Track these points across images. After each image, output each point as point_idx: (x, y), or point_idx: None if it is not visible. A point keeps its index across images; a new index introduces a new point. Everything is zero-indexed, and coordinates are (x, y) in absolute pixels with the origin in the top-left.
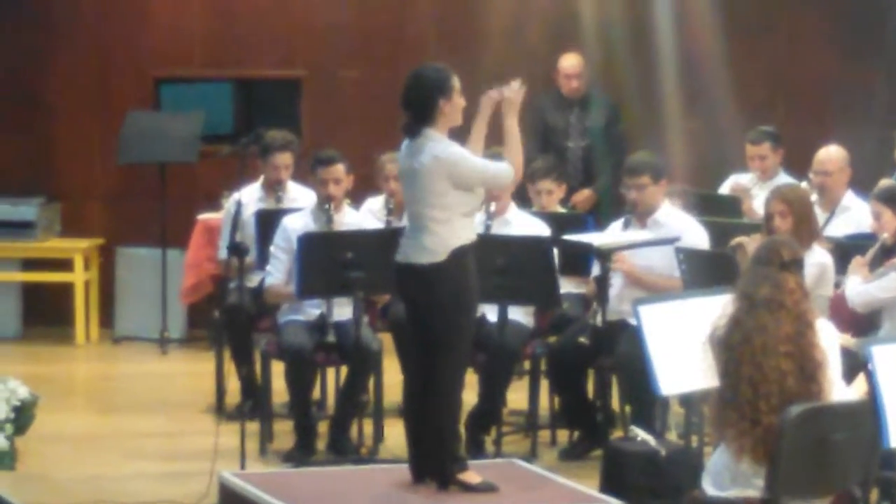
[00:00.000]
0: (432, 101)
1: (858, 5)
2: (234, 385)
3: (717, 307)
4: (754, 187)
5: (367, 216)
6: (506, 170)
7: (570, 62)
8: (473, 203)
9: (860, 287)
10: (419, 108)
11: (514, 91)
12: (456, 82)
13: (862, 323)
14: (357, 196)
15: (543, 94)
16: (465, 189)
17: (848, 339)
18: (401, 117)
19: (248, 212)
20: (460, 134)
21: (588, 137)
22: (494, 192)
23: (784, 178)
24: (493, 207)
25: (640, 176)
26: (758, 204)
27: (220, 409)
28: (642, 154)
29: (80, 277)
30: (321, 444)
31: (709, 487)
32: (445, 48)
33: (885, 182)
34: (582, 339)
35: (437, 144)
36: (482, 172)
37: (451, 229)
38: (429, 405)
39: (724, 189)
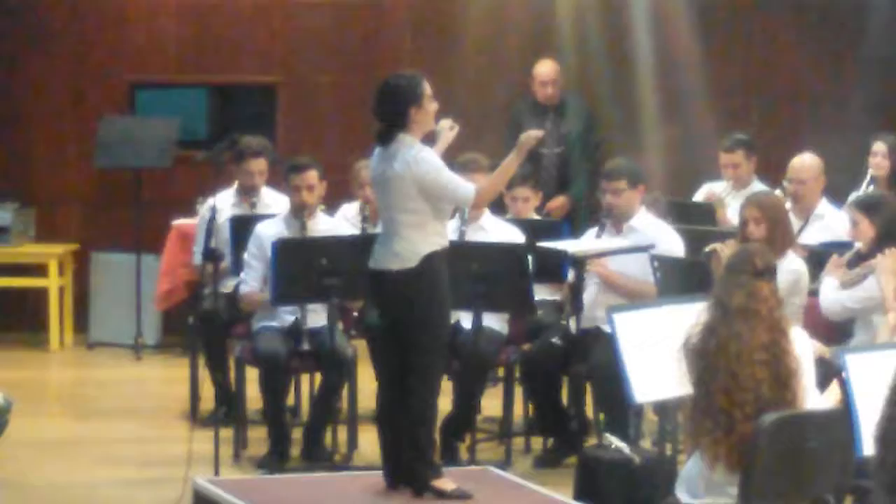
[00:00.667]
0: (403, 110)
1: (834, 14)
2: (208, 391)
3: (691, 315)
4: (728, 196)
5: (341, 223)
6: (470, 195)
7: (544, 69)
8: (445, 210)
9: (833, 296)
10: (391, 117)
11: (528, 135)
12: (426, 88)
13: (835, 331)
14: (332, 202)
15: (519, 101)
16: (432, 200)
17: (822, 348)
18: (375, 123)
19: (223, 217)
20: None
21: (563, 144)
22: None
23: (758, 186)
24: (467, 214)
25: (618, 180)
26: (731, 212)
27: (194, 416)
28: (620, 159)
29: (54, 283)
30: (295, 451)
31: (683, 495)
32: (421, 55)
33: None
34: (554, 340)
35: (410, 150)
36: (448, 190)
37: (423, 235)
38: (403, 412)
39: (699, 197)
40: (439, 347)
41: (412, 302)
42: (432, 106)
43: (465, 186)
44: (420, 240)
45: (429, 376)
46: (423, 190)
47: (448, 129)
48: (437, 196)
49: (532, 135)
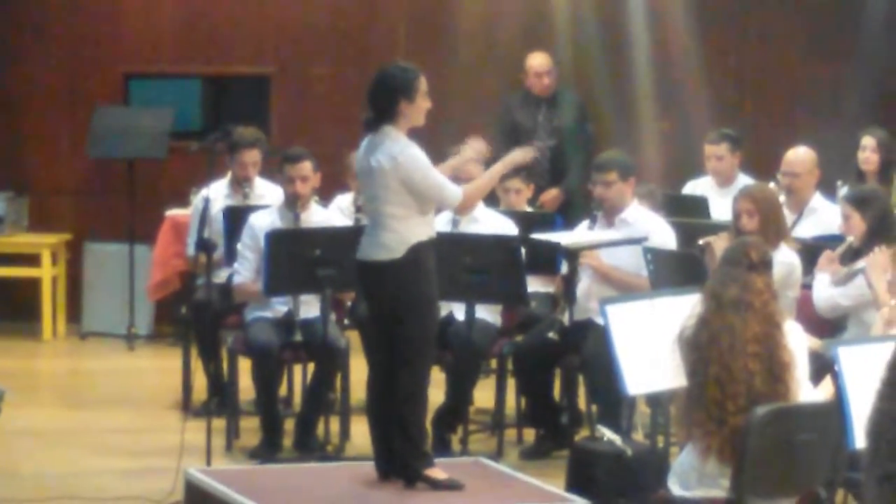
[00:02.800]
0: (393, 102)
1: (829, 7)
2: (200, 381)
3: (684, 307)
4: (713, 192)
5: (335, 213)
6: (455, 198)
7: (538, 60)
8: (430, 205)
9: (825, 293)
10: (380, 107)
11: (522, 152)
12: (421, 84)
13: (828, 325)
14: (326, 193)
15: (511, 94)
16: (416, 197)
17: (815, 342)
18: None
19: (216, 208)
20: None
21: (556, 136)
22: None
23: (744, 181)
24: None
25: (609, 172)
26: (717, 209)
27: (186, 406)
28: (612, 151)
29: (47, 272)
30: (287, 442)
31: (675, 487)
32: (416, 47)
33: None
34: (551, 335)
35: (395, 144)
36: (433, 190)
37: (409, 226)
38: (394, 402)
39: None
40: (428, 338)
41: (399, 292)
42: (425, 103)
43: (451, 189)
44: (406, 230)
45: (418, 366)
46: (409, 187)
47: (472, 151)
48: (424, 195)
49: (526, 152)
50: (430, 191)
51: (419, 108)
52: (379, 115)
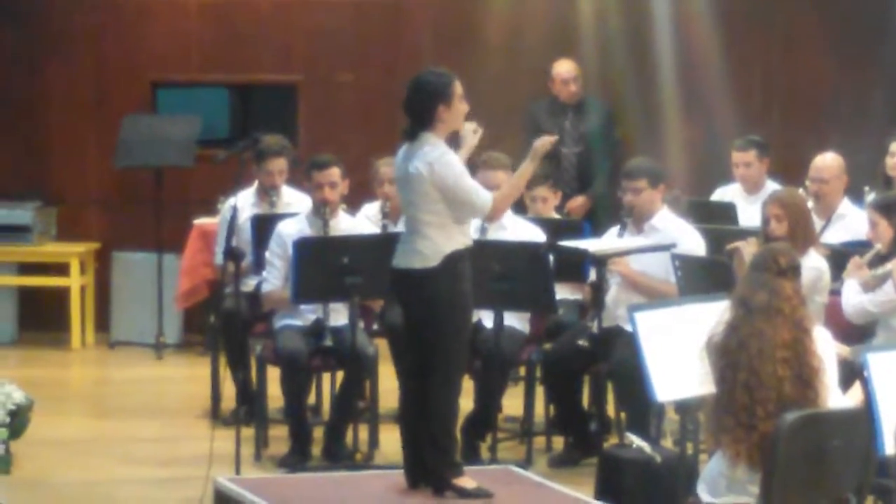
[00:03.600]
0: (431, 107)
1: (856, 13)
2: (229, 390)
3: (712, 314)
4: (742, 200)
5: (363, 222)
6: (487, 204)
7: (565, 67)
8: (465, 213)
9: (854, 300)
10: (418, 113)
11: (542, 141)
12: (457, 88)
13: (857, 330)
14: (354, 202)
15: (537, 101)
16: (450, 204)
17: (843, 348)
18: (397, 122)
19: (244, 216)
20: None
21: (582, 143)
22: None
23: (772, 188)
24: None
25: (638, 179)
26: (745, 217)
27: (215, 415)
28: (641, 158)
29: (76, 282)
30: (316, 450)
31: (704, 494)
32: (442, 53)
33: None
34: (582, 342)
35: (434, 150)
36: (467, 197)
37: (446, 234)
38: (425, 410)
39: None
40: (461, 347)
41: (434, 301)
42: (462, 107)
43: (482, 195)
44: (443, 239)
45: (450, 375)
46: (443, 193)
47: (472, 133)
48: (457, 202)
49: (546, 140)
50: (461, 196)
51: (457, 112)
52: (417, 123)
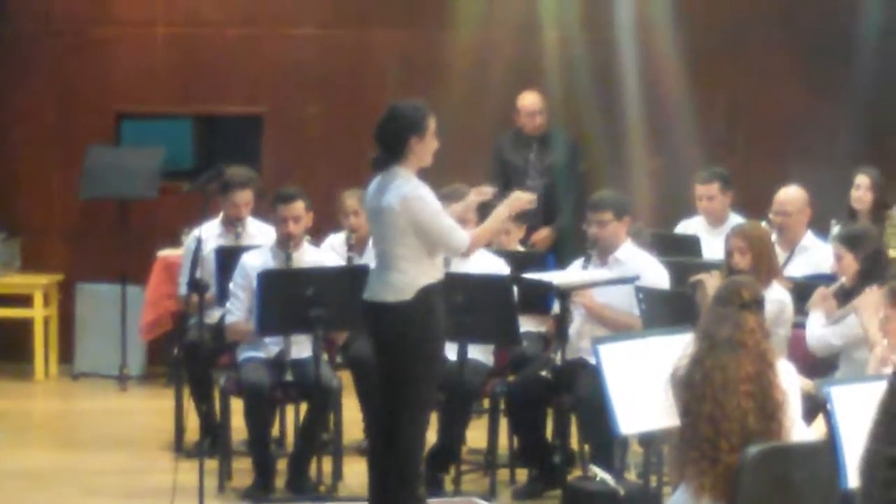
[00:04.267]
0: (404, 139)
1: (822, 46)
2: (193, 422)
3: (676, 346)
4: (705, 233)
5: (328, 252)
6: (463, 243)
7: (530, 100)
8: (438, 249)
9: (818, 332)
10: (390, 144)
11: (524, 196)
12: (432, 122)
13: (819, 364)
14: (319, 232)
15: (502, 133)
16: (425, 240)
17: (806, 382)
18: (362, 153)
19: (208, 248)
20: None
21: (548, 176)
22: None
23: (736, 220)
24: None
25: (604, 212)
26: (709, 249)
27: (178, 446)
28: (606, 191)
29: (39, 313)
30: (280, 482)
31: None
32: (407, 84)
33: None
34: (544, 373)
35: (406, 184)
36: (442, 236)
37: (420, 268)
38: (392, 443)
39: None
40: (432, 381)
41: (407, 334)
42: (434, 142)
43: (459, 235)
44: (417, 272)
45: (420, 409)
46: (416, 229)
47: (478, 195)
48: (431, 239)
49: (526, 198)
50: (437, 234)
51: (428, 147)
52: (388, 154)
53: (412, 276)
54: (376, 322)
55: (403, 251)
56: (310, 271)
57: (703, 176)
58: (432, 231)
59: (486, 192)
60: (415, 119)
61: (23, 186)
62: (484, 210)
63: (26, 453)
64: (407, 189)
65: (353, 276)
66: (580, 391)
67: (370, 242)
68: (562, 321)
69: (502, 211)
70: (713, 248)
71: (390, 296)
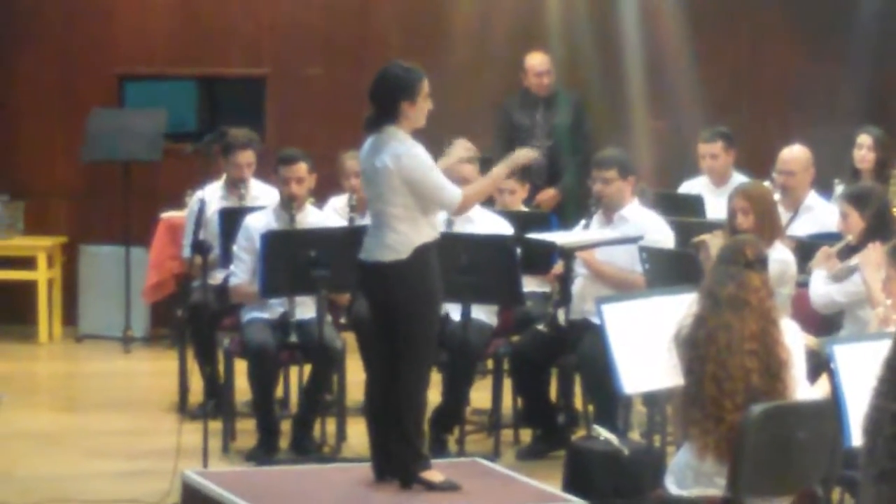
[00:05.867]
0: (395, 101)
1: (823, 5)
2: (197, 383)
3: (680, 306)
4: (708, 192)
5: (330, 215)
6: (455, 200)
7: (537, 60)
8: (433, 206)
9: (822, 289)
10: (382, 106)
11: (523, 154)
12: (424, 86)
13: (824, 322)
14: (321, 194)
15: (509, 94)
16: (418, 197)
17: (811, 340)
18: (364, 115)
19: (212, 210)
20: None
21: (553, 136)
22: None
23: (739, 180)
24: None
25: (608, 169)
26: (712, 208)
27: (183, 408)
28: (612, 149)
29: (43, 275)
30: (284, 443)
31: (672, 486)
32: (409, 47)
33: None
34: (540, 327)
35: (400, 145)
36: (434, 192)
37: (416, 227)
38: (393, 404)
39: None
40: (430, 339)
41: (403, 293)
42: (426, 105)
43: (450, 191)
44: (412, 231)
45: (419, 368)
46: (410, 187)
47: (463, 149)
48: (425, 196)
49: (527, 154)
50: (429, 191)
51: (421, 110)
52: (380, 115)
53: (408, 235)
54: (372, 282)
55: (398, 211)
56: (313, 232)
57: (707, 135)
58: (425, 187)
59: (470, 147)
60: (406, 82)
61: (26, 149)
62: (486, 170)
63: (31, 415)
64: (401, 149)
65: (355, 238)
66: (584, 351)
67: None
68: (565, 281)
69: (500, 170)
70: (717, 207)
71: (387, 255)
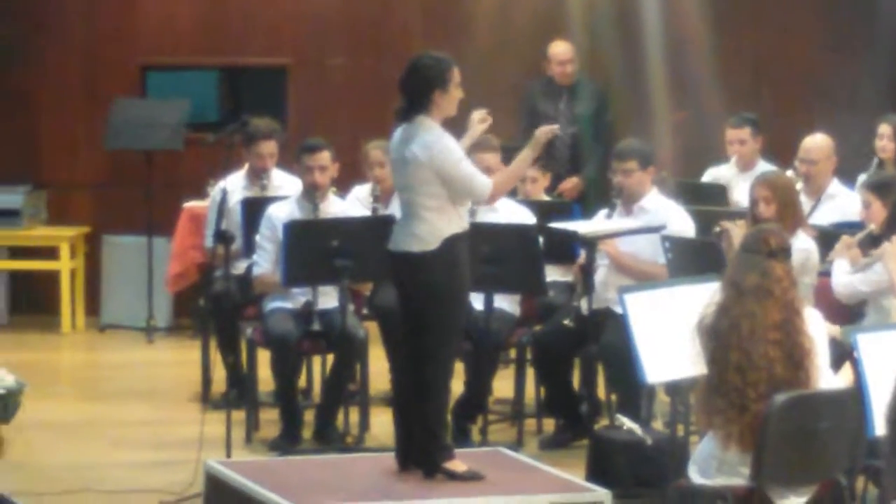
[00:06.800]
0: (427, 91)
1: None
2: (219, 373)
3: (702, 295)
4: (734, 178)
5: (353, 204)
6: (486, 190)
7: (561, 48)
8: (461, 193)
9: (844, 279)
10: (414, 97)
11: (544, 130)
12: (455, 74)
13: (847, 312)
14: (343, 184)
15: (533, 82)
16: (448, 188)
17: (834, 329)
18: (387, 104)
19: (234, 199)
20: (453, 124)
21: (576, 125)
22: None
23: (764, 167)
24: None
25: (628, 160)
26: (738, 194)
27: (205, 398)
28: (631, 140)
29: (66, 265)
30: (307, 433)
31: (695, 476)
32: (432, 36)
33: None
34: (567, 322)
35: (429, 135)
36: (465, 183)
37: (445, 217)
38: (418, 393)
39: (706, 179)
40: (456, 330)
41: (432, 284)
42: (457, 93)
43: (481, 181)
44: (442, 222)
45: (444, 359)
46: (441, 178)
47: (479, 122)
48: (455, 187)
49: (548, 129)
50: (461, 182)
51: (452, 99)
52: (412, 105)
53: (437, 225)
54: (401, 272)
55: (428, 201)
56: (335, 222)
57: (734, 120)
58: (455, 178)
59: (486, 117)
60: (438, 71)
61: (49, 140)
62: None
63: (53, 405)
64: (431, 139)
65: (378, 227)
66: (606, 340)
67: (395, 193)
68: (587, 270)
69: (526, 154)
70: (744, 192)
71: (415, 245)
